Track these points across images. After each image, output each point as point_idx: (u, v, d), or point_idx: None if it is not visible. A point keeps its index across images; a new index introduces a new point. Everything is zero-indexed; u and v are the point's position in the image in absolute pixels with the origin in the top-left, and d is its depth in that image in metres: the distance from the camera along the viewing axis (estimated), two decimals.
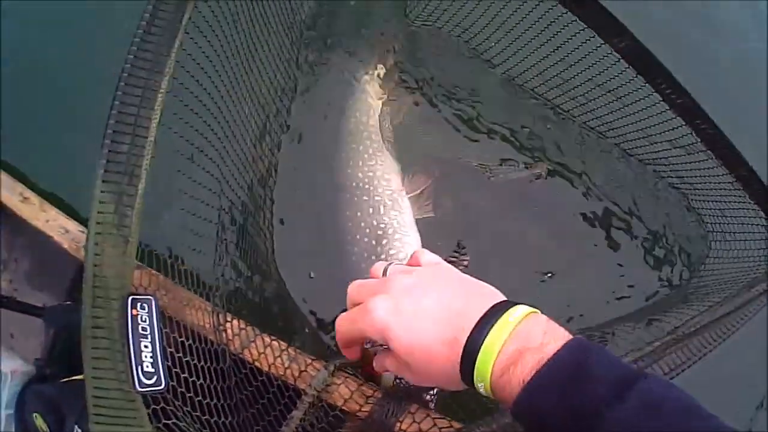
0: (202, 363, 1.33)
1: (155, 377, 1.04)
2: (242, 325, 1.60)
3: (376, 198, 2.15)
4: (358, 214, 2.12)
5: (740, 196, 2.14)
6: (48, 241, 1.84)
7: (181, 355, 1.27)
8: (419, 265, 1.12)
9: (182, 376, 1.24)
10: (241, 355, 1.56)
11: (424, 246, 2.04)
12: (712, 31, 3.10)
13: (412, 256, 1.18)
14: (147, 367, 1.04)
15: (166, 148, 1.30)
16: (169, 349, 1.21)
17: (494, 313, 0.91)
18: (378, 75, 2.47)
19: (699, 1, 3.15)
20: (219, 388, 1.37)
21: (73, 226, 1.83)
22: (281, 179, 2.29)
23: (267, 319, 1.99)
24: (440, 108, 2.51)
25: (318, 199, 2.25)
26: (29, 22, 2.70)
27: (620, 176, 2.49)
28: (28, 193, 1.91)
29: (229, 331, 1.56)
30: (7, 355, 1.81)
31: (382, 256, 2.03)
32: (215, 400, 1.33)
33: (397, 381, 1.50)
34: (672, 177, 2.45)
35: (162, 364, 1.05)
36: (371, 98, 2.40)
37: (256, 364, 1.56)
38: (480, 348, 0.88)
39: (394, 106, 2.41)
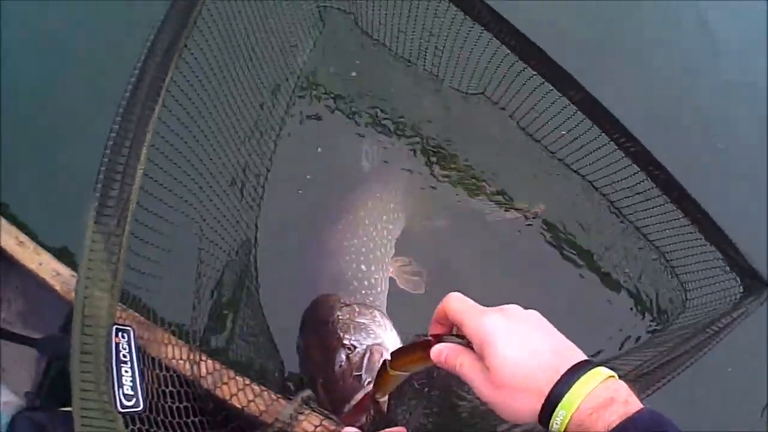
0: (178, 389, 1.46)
1: (134, 399, 1.19)
2: (217, 366, 1.72)
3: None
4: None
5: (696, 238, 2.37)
6: (40, 284, 1.95)
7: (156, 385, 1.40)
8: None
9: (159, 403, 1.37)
10: (213, 392, 1.68)
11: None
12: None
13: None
14: (127, 390, 1.19)
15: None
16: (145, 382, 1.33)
17: (588, 363, 1.04)
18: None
19: None
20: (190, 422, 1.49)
21: (64, 270, 1.94)
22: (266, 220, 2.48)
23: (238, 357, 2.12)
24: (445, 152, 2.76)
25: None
26: (27, 70, 2.92)
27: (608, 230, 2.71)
28: (23, 237, 2.03)
29: (203, 369, 1.69)
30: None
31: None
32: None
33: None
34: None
35: (140, 387, 1.20)
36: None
37: (231, 401, 1.68)
38: (575, 382, 1.01)
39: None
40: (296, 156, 2.69)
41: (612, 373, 1.04)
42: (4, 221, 2.07)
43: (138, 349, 1.25)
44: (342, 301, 2.14)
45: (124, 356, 1.21)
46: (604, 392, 1.00)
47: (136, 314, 1.58)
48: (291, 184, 2.60)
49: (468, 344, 1.14)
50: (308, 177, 2.63)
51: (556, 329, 1.13)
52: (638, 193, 2.48)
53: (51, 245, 2.05)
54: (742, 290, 2.27)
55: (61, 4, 3.05)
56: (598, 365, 1.04)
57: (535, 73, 2.36)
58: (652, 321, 2.55)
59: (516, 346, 1.06)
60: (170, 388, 1.44)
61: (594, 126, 2.34)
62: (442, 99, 2.89)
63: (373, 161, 2.72)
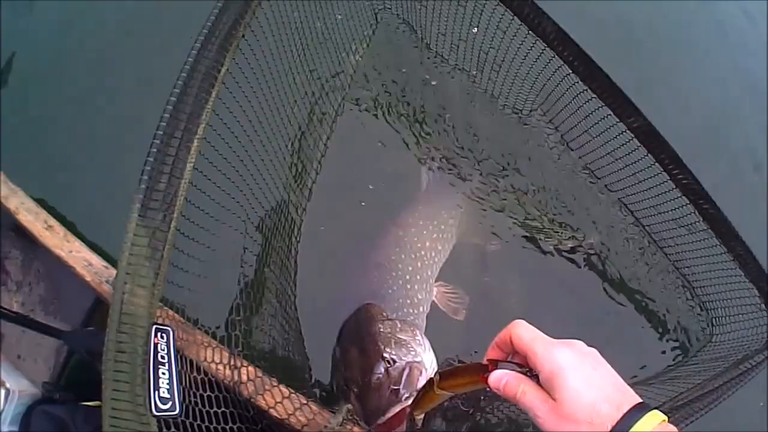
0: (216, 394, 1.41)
1: (170, 402, 1.14)
2: (258, 374, 1.68)
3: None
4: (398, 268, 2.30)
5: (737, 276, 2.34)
6: (67, 272, 1.91)
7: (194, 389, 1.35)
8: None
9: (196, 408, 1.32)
10: (254, 400, 1.63)
11: None
12: None
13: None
14: (163, 392, 1.14)
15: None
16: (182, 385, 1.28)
17: (645, 405, 1.09)
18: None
19: None
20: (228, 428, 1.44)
21: (97, 260, 1.90)
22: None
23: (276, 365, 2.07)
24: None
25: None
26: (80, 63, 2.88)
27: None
28: (53, 222, 1.99)
29: (244, 375, 1.64)
30: (15, 375, 1.87)
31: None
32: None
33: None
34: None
35: (177, 390, 1.15)
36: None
37: (272, 411, 1.64)
38: (637, 421, 1.06)
39: None
40: (349, 163, 2.68)
41: (665, 417, 1.09)
42: (31, 203, 2.03)
43: (176, 350, 1.19)
44: (385, 314, 2.13)
45: (162, 357, 1.16)
46: (665, 428, 1.06)
47: (176, 314, 1.52)
48: (340, 193, 2.60)
49: (529, 373, 1.17)
50: (370, 186, 2.62)
51: (612, 368, 1.18)
52: (683, 226, 2.46)
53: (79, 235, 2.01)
54: None
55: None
56: (654, 408, 1.08)
57: (594, 95, 2.30)
58: (683, 352, 2.55)
59: (584, 380, 1.11)
60: (208, 392, 1.39)
61: (648, 155, 2.30)
62: (499, 119, 2.87)
63: (432, 180, 2.71)
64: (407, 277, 2.27)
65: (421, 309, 2.26)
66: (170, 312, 1.47)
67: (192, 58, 1.40)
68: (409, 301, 2.24)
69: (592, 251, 2.63)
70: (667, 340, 2.56)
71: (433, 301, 2.35)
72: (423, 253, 2.37)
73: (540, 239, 2.62)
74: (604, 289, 2.59)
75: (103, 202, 2.24)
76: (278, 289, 2.11)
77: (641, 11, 3.51)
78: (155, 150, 1.26)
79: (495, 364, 1.20)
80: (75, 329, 1.87)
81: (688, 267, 2.61)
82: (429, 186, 2.69)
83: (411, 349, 1.97)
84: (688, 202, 2.32)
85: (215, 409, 1.39)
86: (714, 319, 2.56)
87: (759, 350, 2.15)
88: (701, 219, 2.32)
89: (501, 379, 1.19)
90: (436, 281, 2.40)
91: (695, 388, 1.97)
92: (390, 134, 2.78)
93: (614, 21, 3.41)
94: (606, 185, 2.69)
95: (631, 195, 2.62)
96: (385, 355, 1.92)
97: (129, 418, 1.06)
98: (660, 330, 2.57)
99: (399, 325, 2.06)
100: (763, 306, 2.30)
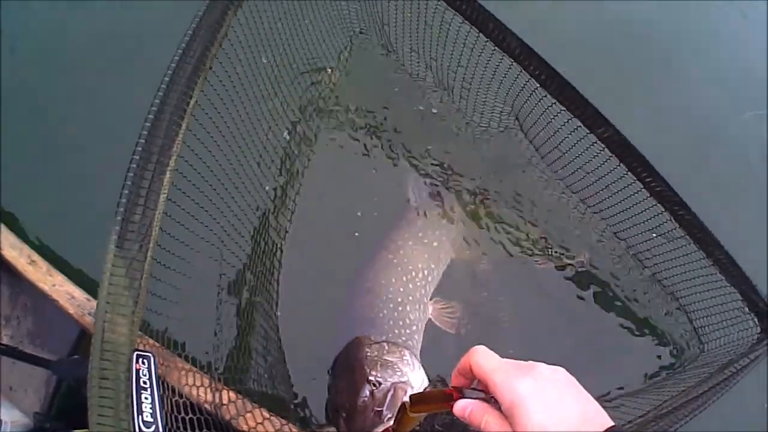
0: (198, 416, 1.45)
1: (153, 426, 1.19)
2: (239, 396, 1.72)
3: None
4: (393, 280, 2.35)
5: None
6: (52, 305, 1.96)
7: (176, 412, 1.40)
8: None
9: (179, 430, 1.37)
10: (234, 422, 1.67)
11: None
12: None
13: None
14: (147, 416, 1.18)
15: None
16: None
17: (615, 429, 1.04)
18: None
19: None
20: None
21: (79, 293, 1.95)
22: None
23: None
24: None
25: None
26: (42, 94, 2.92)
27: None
28: (36, 257, 2.05)
29: (224, 397, 1.69)
30: (7, 406, 1.91)
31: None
32: None
33: None
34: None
35: (160, 414, 1.19)
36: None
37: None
38: None
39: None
40: (331, 184, 2.72)
41: None
42: (14, 238, 2.08)
43: (158, 375, 1.24)
44: (372, 338, 2.16)
45: (145, 383, 1.21)
46: None
47: (156, 342, 1.56)
48: (323, 214, 2.63)
49: (491, 400, 1.14)
50: (358, 214, 2.64)
51: (582, 389, 1.13)
52: (660, 235, 2.47)
53: (62, 266, 2.05)
54: (759, 332, 2.25)
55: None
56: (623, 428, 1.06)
57: (563, 108, 2.33)
58: (673, 363, 2.57)
59: (545, 412, 1.05)
60: (190, 415, 1.43)
61: (621, 164, 2.33)
62: (475, 136, 2.91)
63: (419, 199, 2.72)
64: (399, 299, 2.30)
65: (414, 329, 2.28)
66: (151, 341, 1.51)
67: (162, 92, 1.47)
68: (401, 323, 2.26)
69: (582, 268, 2.66)
70: (658, 355, 2.57)
71: (430, 319, 2.38)
72: (414, 274, 2.40)
73: (530, 256, 2.66)
74: (595, 305, 2.61)
75: (86, 232, 2.28)
76: (259, 312, 2.15)
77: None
78: (129, 183, 1.32)
79: (460, 392, 1.19)
80: (62, 359, 1.91)
81: (669, 278, 2.60)
82: (417, 205, 2.69)
83: (397, 369, 2.02)
84: (663, 210, 2.33)
85: (198, 431, 1.42)
86: (700, 329, 2.55)
87: (744, 354, 2.15)
88: (678, 226, 2.33)
89: (465, 408, 1.17)
90: (431, 298, 2.43)
91: (680, 396, 1.98)
92: (372, 154, 2.81)
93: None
94: (582, 200, 2.70)
95: (608, 208, 2.62)
96: (371, 378, 1.97)
97: None
98: (651, 343, 2.59)
99: (386, 347, 2.10)
100: (746, 309, 2.30)
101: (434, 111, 2.93)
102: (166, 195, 1.37)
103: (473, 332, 2.38)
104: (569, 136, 2.42)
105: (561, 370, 1.15)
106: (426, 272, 2.43)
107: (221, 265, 1.85)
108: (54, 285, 1.96)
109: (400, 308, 2.28)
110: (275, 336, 2.25)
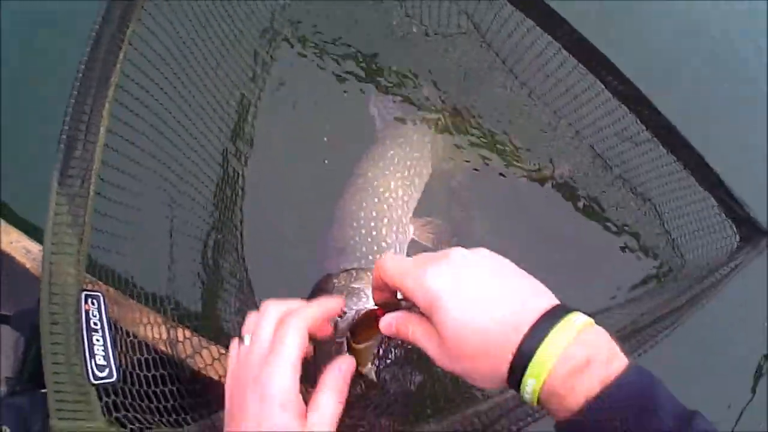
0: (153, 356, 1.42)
1: (107, 369, 1.14)
2: (192, 334, 1.66)
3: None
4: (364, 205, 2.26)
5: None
6: (11, 262, 1.88)
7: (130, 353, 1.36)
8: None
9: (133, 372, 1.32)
10: (189, 360, 1.62)
11: None
12: None
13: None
14: (99, 360, 1.14)
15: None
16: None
17: (557, 311, 0.87)
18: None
19: None
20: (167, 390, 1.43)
21: (34, 247, 1.86)
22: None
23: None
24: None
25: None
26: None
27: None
28: None
29: (179, 334, 1.63)
30: None
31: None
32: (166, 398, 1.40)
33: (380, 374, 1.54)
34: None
35: (113, 357, 1.15)
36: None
37: (207, 371, 1.62)
38: (542, 342, 0.84)
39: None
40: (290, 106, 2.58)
41: (589, 319, 0.87)
42: None
43: (109, 316, 1.19)
44: (342, 267, 2.08)
45: (95, 324, 1.17)
46: (581, 350, 0.83)
47: (107, 285, 1.49)
48: (285, 139, 2.50)
49: (414, 308, 0.99)
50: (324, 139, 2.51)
51: (512, 264, 0.96)
52: (627, 139, 2.37)
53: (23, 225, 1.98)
54: (738, 240, 2.19)
55: None
56: (570, 311, 0.87)
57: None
58: (654, 276, 2.51)
59: (467, 306, 0.89)
60: (146, 355, 1.39)
61: (579, 65, 2.22)
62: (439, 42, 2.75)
63: (384, 116, 2.59)
64: (372, 223, 2.21)
65: (393, 251, 2.21)
66: (101, 284, 1.46)
67: (98, 25, 1.39)
68: (375, 247, 2.17)
69: (561, 181, 2.56)
70: (641, 268, 2.50)
71: (414, 239, 2.30)
72: (387, 195, 2.29)
73: (509, 169, 2.56)
74: (575, 218, 2.53)
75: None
76: (221, 243, 2.10)
77: None
78: (68, 118, 1.27)
79: (385, 307, 1.08)
80: (20, 311, 1.86)
81: (640, 182, 2.51)
82: (381, 122, 2.57)
83: (362, 295, 1.91)
84: (628, 111, 2.22)
85: (153, 372, 1.37)
86: (678, 238, 2.47)
87: (722, 263, 2.05)
88: (644, 128, 2.23)
89: (390, 325, 1.03)
90: (412, 218, 2.34)
91: (657, 308, 1.82)
92: (333, 72, 2.67)
93: None
94: (555, 111, 2.59)
95: (572, 113, 2.53)
96: None
97: (69, 390, 1.06)
98: (633, 257, 2.52)
99: (354, 274, 2.01)
100: (723, 216, 2.21)
101: (394, 23, 2.76)
102: (106, 126, 1.30)
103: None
104: (524, 38, 2.34)
105: (483, 249, 0.98)
106: (401, 191, 2.32)
107: (175, 195, 1.77)
108: (11, 242, 1.89)
109: (374, 232, 2.20)
110: (241, 268, 2.18)
